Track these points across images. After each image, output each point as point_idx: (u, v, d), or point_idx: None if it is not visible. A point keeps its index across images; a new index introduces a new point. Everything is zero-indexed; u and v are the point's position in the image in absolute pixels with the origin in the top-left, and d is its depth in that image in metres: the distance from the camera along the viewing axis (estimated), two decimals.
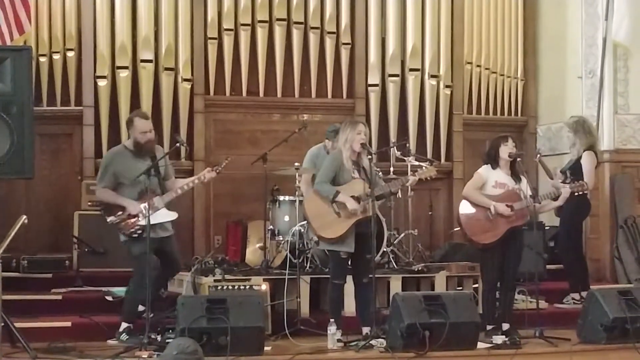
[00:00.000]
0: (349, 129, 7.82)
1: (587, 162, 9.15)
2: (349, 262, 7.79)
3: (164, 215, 7.76)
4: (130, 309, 7.74)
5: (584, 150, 9.20)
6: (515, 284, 8.23)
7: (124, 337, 7.56)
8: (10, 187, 9.90)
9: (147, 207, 7.52)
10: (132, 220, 7.68)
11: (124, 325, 7.64)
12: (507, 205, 7.89)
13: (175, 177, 8.16)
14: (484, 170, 8.15)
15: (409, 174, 8.26)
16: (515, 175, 8.08)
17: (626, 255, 10.41)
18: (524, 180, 8.10)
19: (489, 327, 7.96)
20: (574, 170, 9.10)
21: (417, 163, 9.49)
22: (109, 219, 7.75)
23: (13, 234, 7.02)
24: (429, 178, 8.19)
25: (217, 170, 7.99)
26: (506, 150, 8.04)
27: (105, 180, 7.81)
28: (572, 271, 9.38)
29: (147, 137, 7.81)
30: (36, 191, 10.14)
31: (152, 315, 7.43)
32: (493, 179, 8.07)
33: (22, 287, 8.83)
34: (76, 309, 8.28)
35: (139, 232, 7.63)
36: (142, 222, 7.60)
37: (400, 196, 9.56)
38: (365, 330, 7.72)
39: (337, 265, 7.78)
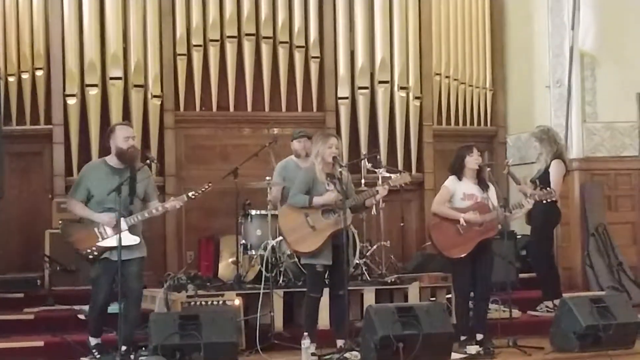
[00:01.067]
0: (320, 142, 7.85)
1: (554, 170, 9.21)
2: (326, 275, 7.80)
3: (127, 239, 7.40)
4: (91, 325, 7.63)
5: (552, 159, 9.26)
6: (488, 293, 8.25)
7: (96, 354, 7.50)
8: None
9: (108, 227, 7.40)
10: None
11: (92, 341, 7.56)
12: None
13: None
14: (451, 182, 8.17)
15: (377, 186, 8.25)
16: (482, 184, 8.11)
17: (597, 262, 10.47)
18: (492, 188, 8.13)
19: (462, 338, 7.98)
20: (543, 180, 9.16)
21: (388, 175, 9.51)
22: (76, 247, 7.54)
23: None
24: (403, 185, 8.21)
25: (193, 196, 7.71)
26: (472, 160, 8.07)
27: (76, 193, 7.60)
28: (545, 279, 9.42)
29: (129, 142, 7.58)
30: (6, 210, 10.05)
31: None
32: (461, 190, 8.09)
33: None
34: (49, 328, 8.22)
35: (95, 253, 7.44)
36: (101, 243, 7.42)
37: (373, 213, 9.59)
38: (340, 343, 7.72)
39: (313, 278, 7.78)
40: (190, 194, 7.71)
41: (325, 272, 7.77)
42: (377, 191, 7.89)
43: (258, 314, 8.18)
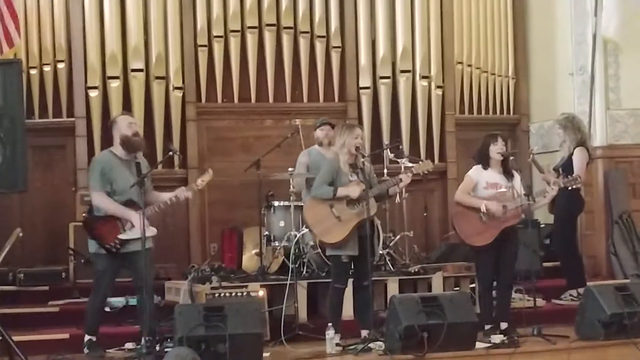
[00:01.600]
0: (346, 133, 7.85)
1: (578, 158, 9.17)
2: (351, 266, 7.81)
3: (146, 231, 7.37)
4: (88, 321, 7.61)
5: (575, 147, 9.22)
6: (512, 282, 8.23)
7: (85, 350, 7.51)
8: (4, 201, 9.86)
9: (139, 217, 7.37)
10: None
11: (86, 337, 7.56)
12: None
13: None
14: (474, 172, 8.14)
15: (401, 174, 8.23)
16: (507, 173, 8.08)
17: (622, 250, 10.41)
18: (517, 177, 8.10)
19: (487, 327, 7.96)
20: (566, 167, 9.11)
21: (410, 164, 9.49)
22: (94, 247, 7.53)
23: (8, 247, 7.03)
24: (426, 172, 8.19)
25: (198, 186, 7.72)
26: (495, 149, 8.04)
27: (101, 185, 7.45)
28: (569, 268, 9.38)
29: (133, 128, 7.58)
30: (30, 204, 10.13)
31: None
32: (484, 179, 8.07)
33: (19, 300, 8.85)
34: (74, 321, 8.23)
35: (118, 247, 7.43)
36: (122, 236, 7.43)
37: (397, 201, 9.58)
38: (364, 333, 7.72)
39: (338, 269, 7.79)
40: (199, 181, 7.73)
41: (350, 262, 7.77)
42: (401, 179, 7.88)
43: (282, 305, 8.19)
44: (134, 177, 7.41)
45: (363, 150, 7.96)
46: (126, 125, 7.59)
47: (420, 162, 8.39)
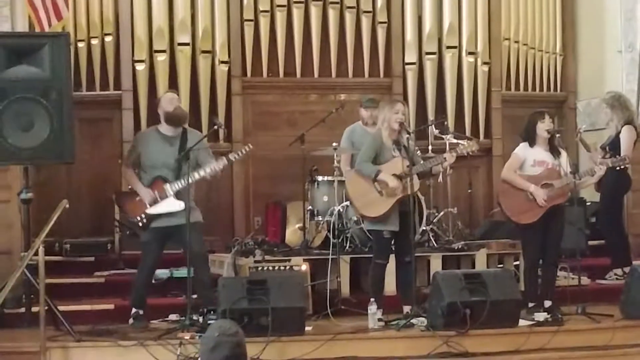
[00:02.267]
0: (387, 108, 7.86)
1: (625, 136, 9.07)
2: (392, 242, 7.80)
3: (169, 205, 7.57)
4: (134, 294, 7.73)
5: (623, 125, 9.12)
6: (557, 260, 8.18)
7: (130, 321, 7.61)
8: (51, 172, 9.99)
9: (156, 195, 7.56)
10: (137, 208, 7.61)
11: (132, 310, 7.67)
12: (545, 185, 7.84)
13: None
14: (521, 149, 8.09)
15: (447, 151, 8.22)
16: (554, 150, 8.02)
17: None
18: (563, 154, 8.04)
19: (530, 305, 7.93)
20: (614, 146, 9.04)
21: (455, 141, 9.46)
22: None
23: (55, 218, 7.09)
24: (471, 153, 8.16)
25: (234, 158, 7.72)
26: (543, 127, 7.98)
27: (129, 159, 7.83)
28: (614, 247, 9.31)
29: (174, 103, 7.75)
30: (77, 175, 10.22)
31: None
32: (532, 157, 8.01)
33: (65, 271, 8.94)
34: (119, 292, 8.34)
35: (144, 221, 7.59)
36: (149, 211, 7.56)
37: (440, 180, 9.54)
38: (406, 309, 7.72)
39: (380, 244, 7.80)
40: (230, 155, 7.74)
41: (391, 238, 7.77)
42: (445, 158, 7.85)
43: (326, 280, 8.21)
44: (175, 150, 7.61)
45: (407, 126, 7.94)
46: (167, 101, 7.79)
47: (465, 142, 8.34)
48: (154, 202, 7.58)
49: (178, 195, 7.58)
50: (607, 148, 9.05)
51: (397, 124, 7.72)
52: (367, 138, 8.42)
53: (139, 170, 7.74)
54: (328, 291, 8.08)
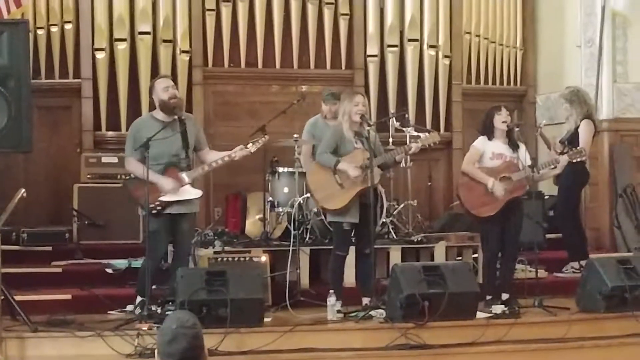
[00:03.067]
0: (347, 100, 7.86)
1: (584, 130, 9.13)
2: (352, 234, 7.82)
3: (189, 192, 7.51)
4: (139, 283, 7.60)
5: (581, 120, 9.19)
6: (516, 254, 8.24)
7: (130, 307, 7.59)
8: (8, 161, 9.89)
9: (175, 183, 7.43)
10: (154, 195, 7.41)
11: (138, 298, 7.58)
12: (504, 177, 7.89)
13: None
14: (480, 142, 8.14)
15: (409, 142, 8.26)
16: (512, 143, 8.07)
17: (625, 223, 10.42)
18: (522, 148, 8.09)
19: (488, 297, 7.98)
20: (572, 140, 9.10)
21: (415, 134, 9.48)
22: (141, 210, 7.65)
23: (12, 207, 7.03)
24: (432, 145, 8.20)
25: (251, 149, 7.66)
26: (500, 119, 8.02)
27: (133, 151, 7.51)
28: (571, 240, 9.38)
29: (170, 92, 7.55)
30: (35, 164, 10.14)
31: (154, 287, 7.46)
32: (490, 150, 8.06)
33: (22, 260, 8.85)
34: (76, 282, 8.29)
35: (159, 208, 7.43)
36: (164, 197, 7.43)
37: (402, 166, 9.56)
38: (365, 301, 7.74)
39: (340, 236, 7.81)
40: (249, 146, 7.67)
41: (352, 230, 7.79)
42: (411, 147, 7.91)
43: (285, 271, 8.21)
44: (177, 137, 7.48)
45: (368, 118, 7.95)
46: (162, 89, 7.59)
47: (427, 134, 8.37)
48: (175, 190, 7.45)
49: (194, 183, 7.56)
50: (566, 142, 9.12)
51: (357, 115, 7.73)
52: (328, 131, 8.42)
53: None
54: (287, 282, 8.07)
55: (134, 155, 7.53)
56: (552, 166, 8.13)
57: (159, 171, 7.44)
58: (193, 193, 7.53)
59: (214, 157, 7.70)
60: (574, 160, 8.22)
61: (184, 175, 7.48)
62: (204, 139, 7.83)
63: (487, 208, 7.96)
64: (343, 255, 7.80)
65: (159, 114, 7.64)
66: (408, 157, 8.96)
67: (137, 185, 7.48)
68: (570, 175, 8.98)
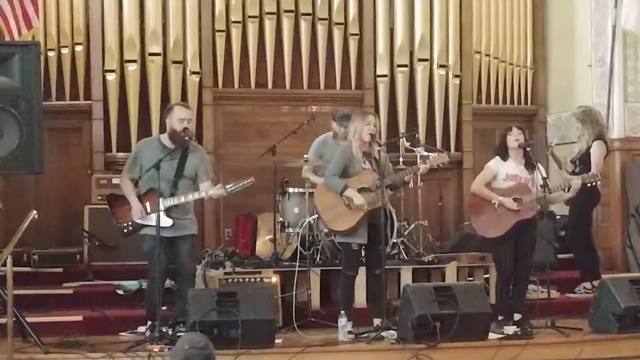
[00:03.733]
0: (358, 119, 7.85)
1: (596, 151, 9.11)
2: (362, 254, 7.80)
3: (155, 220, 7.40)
4: (148, 305, 7.63)
5: (593, 140, 9.17)
6: (528, 274, 8.20)
7: (142, 328, 7.57)
8: (20, 182, 9.93)
9: (143, 209, 7.48)
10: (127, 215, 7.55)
11: (149, 323, 7.57)
12: (515, 199, 7.87)
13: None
14: (494, 163, 8.12)
15: (419, 163, 8.27)
16: (528, 164, 8.04)
17: (637, 243, 10.37)
18: (540, 169, 8.05)
19: (500, 318, 7.94)
20: (584, 160, 9.09)
21: (426, 153, 9.46)
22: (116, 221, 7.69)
23: (24, 228, 7.03)
24: (441, 165, 8.20)
25: (229, 189, 7.59)
26: (512, 138, 8.01)
27: (130, 169, 7.62)
28: (583, 260, 9.35)
29: (184, 124, 7.52)
30: (46, 186, 10.16)
31: (164, 308, 7.46)
32: (504, 171, 8.03)
33: (33, 282, 8.88)
34: (87, 303, 8.30)
35: (130, 228, 7.54)
36: (137, 219, 7.50)
37: (411, 186, 9.54)
38: (376, 321, 7.71)
39: (348, 257, 7.79)
40: (228, 186, 7.61)
41: (360, 250, 7.77)
42: (419, 167, 7.93)
43: (295, 292, 8.20)
44: (174, 166, 7.50)
45: (378, 138, 7.95)
46: (178, 119, 7.56)
47: (436, 155, 8.37)
48: (141, 216, 7.48)
49: (169, 211, 7.47)
50: (577, 162, 9.10)
51: (368, 135, 7.72)
52: (336, 150, 8.41)
53: (140, 179, 7.60)
54: (295, 304, 8.05)
55: (127, 172, 7.65)
56: (565, 188, 8.10)
57: (143, 190, 7.54)
58: (164, 221, 7.40)
59: (202, 189, 7.64)
60: (588, 184, 8.19)
61: (161, 201, 7.39)
62: (206, 172, 7.71)
63: (494, 229, 7.94)
64: (352, 275, 7.78)
65: (166, 140, 7.64)
66: (419, 177, 8.97)
67: (120, 202, 7.62)
68: (581, 195, 8.93)
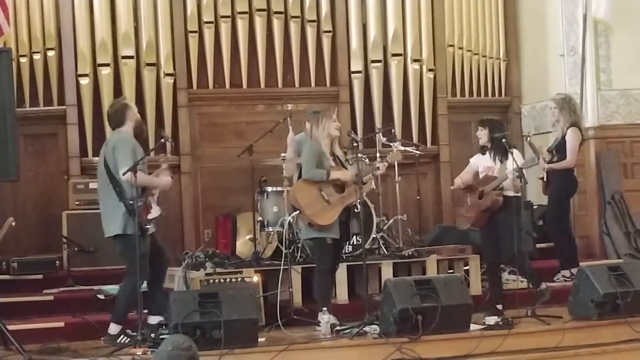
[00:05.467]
0: (325, 117, 8.00)
1: (571, 138, 9.18)
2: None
3: (157, 210, 7.59)
4: (124, 312, 7.56)
5: (568, 127, 9.22)
6: (499, 263, 8.37)
7: (123, 339, 7.42)
8: None
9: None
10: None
11: (117, 327, 7.48)
12: (481, 191, 8.04)
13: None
14: (474, 158, 8.40)
15: (376, 163, 8.46)
16: (500, 155, 8.13)
17: (614, 230, 10.44)
18: (516, 154, 8.12)
19: (498, 306, 8.08)
20: (560, 148, 9.14)
21: (403, 148, 9.50)
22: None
23: (1, 236, 7.01)
24: (396, 162, 8.56)
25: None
26: (477, 134, 8.33)
27: (132, 161, 7.37)
28: (562, 249, 9.41)
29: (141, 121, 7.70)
30: (23, 192, 10.11)
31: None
32: (482, 165, 8.24)
33: (13, 289, 8.82)
34: (68, 309, 8.26)
35: (148, 227, 7.47)
36: (150, 216, 7.49)
37: (373, 187, 9.55)
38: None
39: (323, 251, 7.90)
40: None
41: (332, 245, 7.89)
42: (378, 167, 8.17)
43: (277, 290, 8.20)
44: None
45: (355, 133, 8.01)
46: (135, 112, 7.67)
47: (390, 153, 8.51)
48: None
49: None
50: (554, 151, 9.14)
51: (337, 130, 7.88)
52: (305, 147, 8.41)
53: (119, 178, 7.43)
54: (278, 302, 8.06)
55: (132, 164, 7.36)
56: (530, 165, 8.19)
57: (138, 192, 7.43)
58: (159, 211, 7.60)
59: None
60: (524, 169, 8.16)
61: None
62: (146, 167, 7.73)
63: (465, 220, 8.13)
64: (327, 269, 7.92)
65: (132, 133, 7.66)
66: (397, 173, 9.06)
67: (143, 207, 7.45)
68: (559, 184, 9.03)
